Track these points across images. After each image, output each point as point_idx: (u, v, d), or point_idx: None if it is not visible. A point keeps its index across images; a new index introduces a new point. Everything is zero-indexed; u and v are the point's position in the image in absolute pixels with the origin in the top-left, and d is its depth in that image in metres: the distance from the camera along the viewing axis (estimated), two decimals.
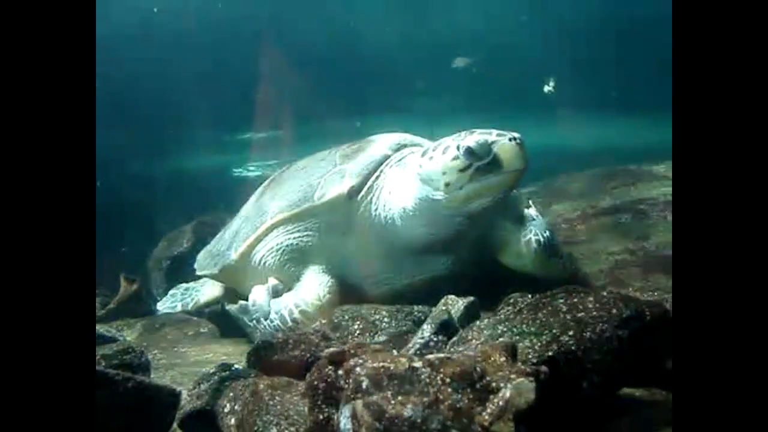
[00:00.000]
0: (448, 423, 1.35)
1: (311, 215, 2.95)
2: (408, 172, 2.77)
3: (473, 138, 2.57)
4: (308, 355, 2.15)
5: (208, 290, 4.01)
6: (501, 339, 1.77)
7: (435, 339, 2.08)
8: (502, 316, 2.00)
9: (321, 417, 1.54)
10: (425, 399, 1.38)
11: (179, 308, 3.98)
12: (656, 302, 2.05)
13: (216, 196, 6.30)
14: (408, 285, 2.95)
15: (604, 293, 1.94)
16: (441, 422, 1.35)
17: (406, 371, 1.44)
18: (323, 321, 2.53)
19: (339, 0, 8.03)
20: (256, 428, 1.74)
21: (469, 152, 2.54)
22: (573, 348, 1.73)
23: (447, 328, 2.14)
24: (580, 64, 7.95)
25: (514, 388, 1.38)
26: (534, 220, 3.08)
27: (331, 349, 1.61)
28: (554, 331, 1.79)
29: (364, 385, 1.44)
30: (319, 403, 1.56)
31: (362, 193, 2.87)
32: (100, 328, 3.22)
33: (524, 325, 1.85)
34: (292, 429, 1.70)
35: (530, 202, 3.24)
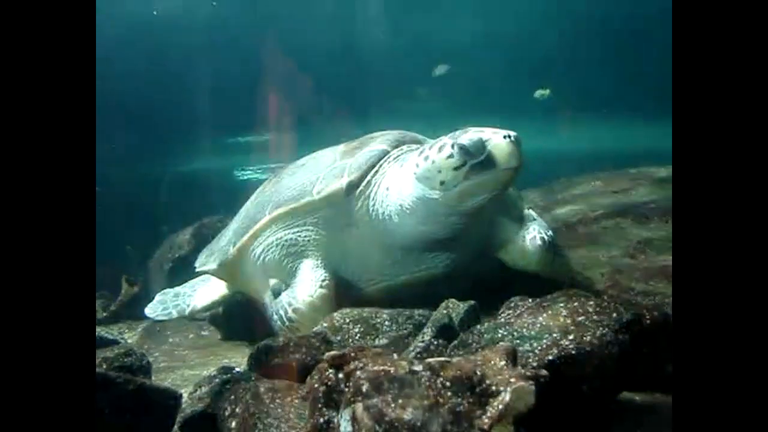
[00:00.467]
0: (448, 426, 1.35)
1: (310, 210, 2.94)
2: (405, 170, 2.77)
3: (467, 136, 2.57)
4: (309, 358, 2.15)
5: (202, 294, 3.94)
6: (501, 343, 1.77)
7: (435, 342, 2.08)
8: (503, 320, 2.01)
9: (321, 420, 1.54)
10: (425, 402, 1.38)
11: (174, 315, 3.92)
12: (656, 306, 2.06)
13: (218, 199, 6.30)
14: (406, 283, 2.95)
15: (605, 297, 1.95)
16: (441, 426, 1.35)
17: (406, 375, 1.44)
18: (324, 324, 2.53)
19: (341, 2, 8.05)
20: (256, 431, 1.74)
21: (464, 150, 2.54)
22: (573, 352, 1.73)
23: (447, 332, 2.14)
24: (581, 68, 7.97)
25: (514, 392, 1.38)
26: (535, 220, 3.08)
27: (332, 353, 1.61)
28: (554, 335, 1.79)
29: (364, 388, 1.44)
30: (319, 406, 1.56)
31: (360, 188, 2.87)
32: (102, 331, 3.23)
33: (524, 329, 1.86)
34: None
35: (528, 208, 3.25)
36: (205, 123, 7.90)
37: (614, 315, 1.82)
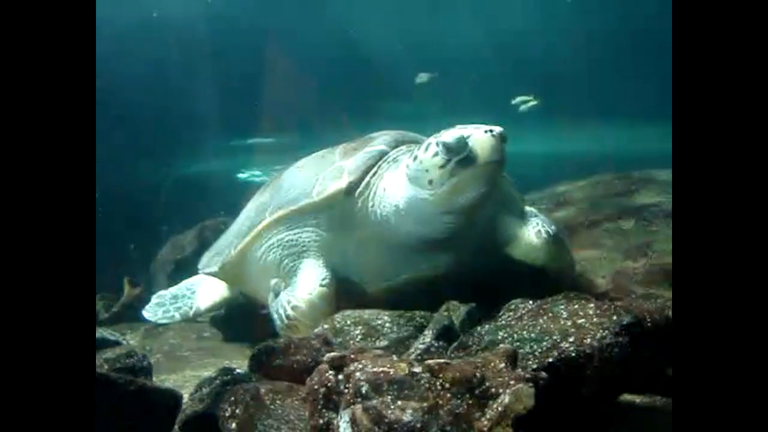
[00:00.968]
0: (448, 428, 1.35)
1: (310, 212, 2.95)
2: (399, 171, 2.77)
3: (450, 133, 2.58)
4: (309, 359, 2.15)
5: (204, 296, 3.93)
6: (501, 345, 1.78)
7: (436, 344, 2.08)
8: (503, 322, 2.01)
9: (321, 421, 1.55)
10: (424, 404, 1.38)
11: (178, 317, 3.92)
12: (657, 309, 2.06)
13: (221, 201, 6.32)
14: (407, 283, 2.95)
15: (605, 300, 1.95)
16: (440, 427, 1.35)
17: (405, 376, 1.45)
18: (325, 326, 2.54)
19: (343, 6, 8.06)
20: None
21: (447, 147, 2.54)
22: (573, 354, 1.73)
23: (448, 334, 2.14)
24: (581, 72, 7.98)
25: (513, 394, 1.38)
26: (537, 215, 3.08)
27: (332, 354, 1.62)
28: (554, 337, 1.79)
29: (363, 389, 1.44)
30: (319, 407, 1.57)
31: (360, 189, 2.87)
32: (104, 332, 3.22)
33: (525, 332, 1.86)
34: None
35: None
36: (206, 125, 7.92)
37: (614, 318, 1.82)
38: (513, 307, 2.14)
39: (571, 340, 1.76)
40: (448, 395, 1.40)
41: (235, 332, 3.68)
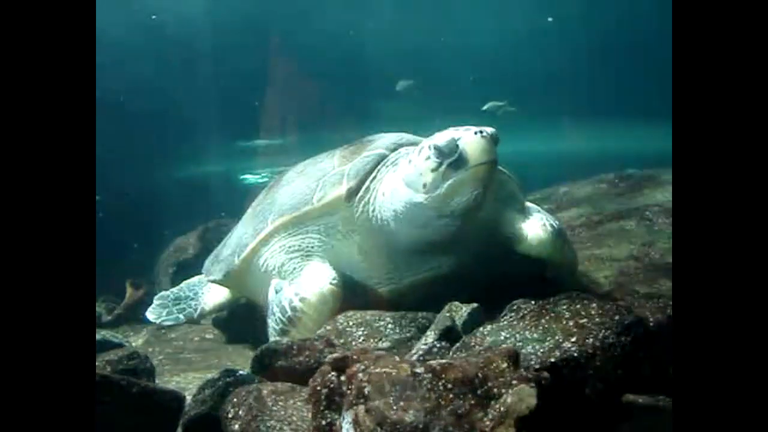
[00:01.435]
0: (450, 428, 1.35)
1: (311, 218, 2.95)
2: (397, 175, 2.77)
3: (441, 136, 2.57)
4: (312, 361, 2.16)
5: (208, 297, 3.95)
6: (504, 345, 1.78)
7: (438, 345, 2.09)
8: (505, 323, 2.01)
9: (324, 422, 1.55)
10: (427, 405, 1.39)
11: (182, 319, 3.93)
12: (659, 309, 2.06)
13: (223, 203, 6.33)
14: (412, 285, 2.95)
15: (608, 300, 1.95)
16: (442, 428, 1.36)
17: (408, 377, 1.45)
18: (327, 327, 2.54)
19: (346, 8, 8.07)
20: None
21: (438, 150, 2.54)
22: (575, 354, 1.73)
23: (450, 335, 2.15)
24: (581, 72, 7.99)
25: (515, 394, 1.38)
26: (539, 211, 3.08)
27: (334, 355, 1.62)
28: (557, 337, 1.79)
29: (366, 390, 1.45)
30: (321, 408, 1.57)
31: (360, 194, 2.87)
32: (107, 334, 3.24)
33: (527, 332, 1.86)
34: None
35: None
36: (211, 126, 7.94)
37: (617, 317, 1.83)
38: (515, 307, 2.15)
39: (573, 340, 1.76)
40: (451, 396, 1.40)
41: (237, 334, 3.68)
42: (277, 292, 2.93)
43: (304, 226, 2.98)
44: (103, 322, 4.57)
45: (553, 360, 1.72)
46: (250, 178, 9.17)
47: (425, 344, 2.11)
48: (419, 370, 1.47)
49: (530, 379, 1.43)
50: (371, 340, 2.40)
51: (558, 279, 2.93)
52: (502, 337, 1.88)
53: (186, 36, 7.42)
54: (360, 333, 2.43)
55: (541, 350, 1.77)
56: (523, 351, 1.76)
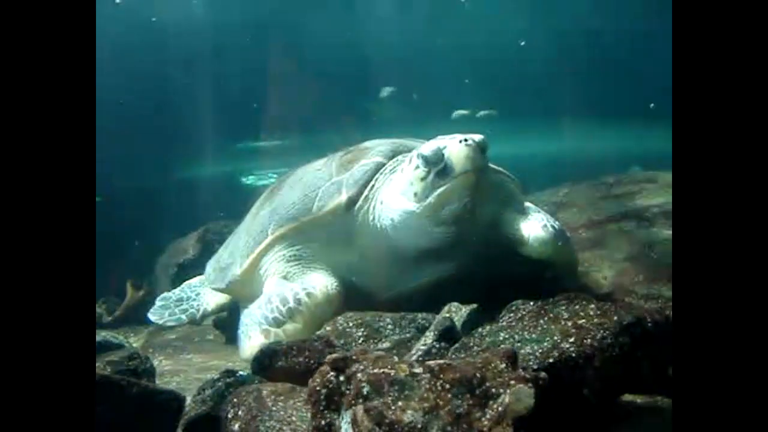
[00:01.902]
0: (448, 428, 1.36)
1: (311, 227, 2.96)
2: (392, 184, 2.78)
3: (428, 145, 2.59)
4: (312, 361, 2.16)
5: (211, 298, 3.97)
6: (502, 346, 1.78)
7: (437, 346, 2.09)
8: (504, 323, 2.01)
9: (323, 422, 1.55)
10: (425, 404, 1.39)
11: (185, 319, 3.94)
12: (658, 309, 2.06)
13: (223, 204, 6.33)
14: (414, 290, 2.95)
15: (606, 300, 1.95)
16: (441, 427, 1.36)
17: (406, 377, 1.45)
18: (327, 328, 2.54)
19: (348, 10, 8.08)
20: None
21: (425, 160, 2.55)
22: (574, 355, 1.74)
23: (450, 335, 2.15)
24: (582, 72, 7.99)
25: (513, 394, 1.39)
26: (539, 212, 3.08)
27: (333, 355, 1.63)
28: (555, 338, 1.79)
29: (365, 390, 1.45)
30: (321, 408, 1.57)
31: (359, 203, 2.88)
32: (107, 335, 3.24)
33: (525, 332, 1.86)
34: None
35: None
36: (212, 128, 7.94)
37: (615, 318, 1.83)
38: (514, 308, 2.15)
39: (571, 340, 1.77)
40: (449, 396, 1.40)
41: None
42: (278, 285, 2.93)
43: (305, 236, 2.99)
44: (103, 323, 4.58)
45: (551, 360, 1.73)
46: (251, 179, 9.18)
47: (424, 345, 2.11)
48: (418, 370, 1.47)
49: (528, 380, 1.43)
50: (371, 341, 2.40)
51: (557, 280, 2.93)
52: (501, 338, 1.88)
53: (186, 36, 7.43)
54: (360, 334, 2.44)
55: (540, 351, 1.77)
56: (522, 351, 1.77)
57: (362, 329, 2.46)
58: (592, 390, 1.72)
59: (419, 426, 1.35)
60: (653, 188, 4.22)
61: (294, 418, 1.79)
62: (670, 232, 3.36)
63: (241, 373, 2.18)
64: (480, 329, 2.01)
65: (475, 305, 2.39)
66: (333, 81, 7.96)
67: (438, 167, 2.53)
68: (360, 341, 2.41)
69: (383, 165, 2.94)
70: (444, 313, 2.41)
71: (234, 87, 7.72)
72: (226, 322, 3.85)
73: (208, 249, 4.92)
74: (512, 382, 1.42)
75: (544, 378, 1.47)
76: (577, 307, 1.91)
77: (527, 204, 3.12)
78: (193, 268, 4.79)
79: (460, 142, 2.52)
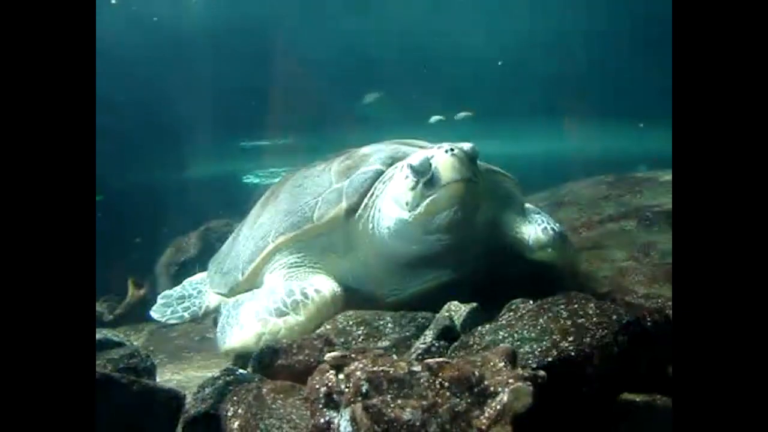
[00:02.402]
0: (447, 426, 1.36)
1: (312, 235, 2.97)
2: (388, 193, 2.79)
3: (416, 155, 2.60)
4: (311, 359, 2.17)
5: (214, 295, 3.99)
6: (501, 345, 1.79)
7: (437, 344, 2.10)
8: (504, 322, 2.02)
9: (322, 420, 1.56)
10: (424, 402, 1.39)
11: (187, 317, 3.95)
12: (658, 309, 2.06)
13: (224, 203, 6.34)
14: (415, 294, 2.96)
15: (605, 299, 1.95)
16: (439, 425, 1.36)
17: (405, 375, 1.46)
18: (327, 326, 2.55)
19: (350, 10, 8.09)
20: (258, 431, 1.76)
21: (414, 170, 2.56)
22: (573, 354, 1.74)
23: (449, 334, 2.15)
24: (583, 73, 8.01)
25: (512, 393, 1.39)
26: (539, 213, 3.08)
27: (333, 354, 1.63)
28: (554, 336, 1.80)
29: (364, 388, 1.45)
30: (320, 406, 1.57)
31: (359, 212, 2.89)
32: (108, 333, 3.25)
33: (525, 331, 1.87)
34: None
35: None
36: (213, 127, 7.95)
37: (614, 317, 1.83)
38: (514, 306, 2.15)
39: (570, 339, 1.77)
40: (448, 394, 1.41)
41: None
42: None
43: (305, 243, 2.99)
44: (104, 321, 4.58)
45: (550, 359, 1.73)
46: (252, 178, 9.19)
47: (424, 343, 2.12)
48: (417, 368, 1.48)
49: (527, 378, 1.44)
50: (371, 339, 2.40)
51: (557, 279, 2.93)
52: (500, 337, 1.89)
53: (187, 36, 7.44)
54: (360, 332, 2.44)
55: (539, 349, 1.77)
56: (521, 350, 1.77)
57: (362, 328, 2.47)
58: (591, 389, 1.72)
59: (418, 424, 1.36)
60: (653, 187, 4.22)
61: (293, 416, 1.79)
62: (670, 231, 3.37)
63: (241, 371, 2.18)
64: (479, 328, 2.02)
65: (474, 304, 2.39)
66: (333, 81, 7.97)
67: (425, 177, 2.54)
68: (360, 340, 2.41)
69: (382, 172, 2.94)
70: (444, 311, 2.41)
71: (234, 87, 7.73)
72: None
73: (209, 247, 4.92)
74: (511, 380, 1.42)
75: (542, 377, 1.47)
76: (576, 306, 1.91)
77: (527, 205, 3.13)
78: (194, 266, 4.79)
79: (446, 152, 2.52)
